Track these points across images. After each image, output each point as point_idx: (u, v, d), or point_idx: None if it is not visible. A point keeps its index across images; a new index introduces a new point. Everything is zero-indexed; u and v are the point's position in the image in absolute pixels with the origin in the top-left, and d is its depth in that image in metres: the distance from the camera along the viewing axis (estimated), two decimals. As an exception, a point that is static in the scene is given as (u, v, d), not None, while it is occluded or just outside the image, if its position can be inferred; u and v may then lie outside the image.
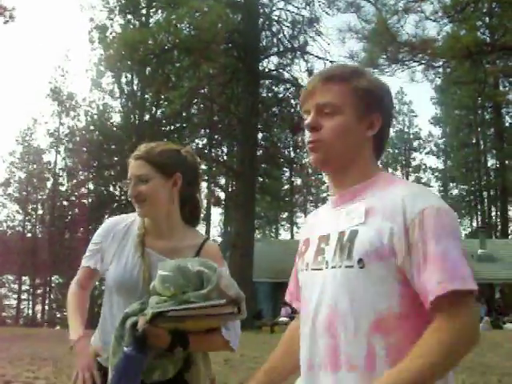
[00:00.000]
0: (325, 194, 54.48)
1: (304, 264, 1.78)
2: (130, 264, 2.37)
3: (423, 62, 21.84)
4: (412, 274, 1.53)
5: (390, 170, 55.79)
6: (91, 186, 39.58)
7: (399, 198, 1.60)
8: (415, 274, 1.52)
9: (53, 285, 47.02)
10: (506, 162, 45.02)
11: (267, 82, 32.19)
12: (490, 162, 48.68)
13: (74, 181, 40.13)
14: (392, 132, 55.13)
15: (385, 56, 21.18)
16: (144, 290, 2.27)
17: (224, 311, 2.07)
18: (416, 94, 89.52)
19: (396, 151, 55.38)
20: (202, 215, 2.62)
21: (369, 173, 1.74)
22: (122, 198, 38.80)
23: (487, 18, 26.90)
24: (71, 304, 2.48)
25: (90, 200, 38.89)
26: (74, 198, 40.85)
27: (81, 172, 39.04)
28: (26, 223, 50.41)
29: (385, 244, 1.56)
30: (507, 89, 38.10)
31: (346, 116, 1.72)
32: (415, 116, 55.80)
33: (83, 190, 40.03)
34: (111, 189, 38.23)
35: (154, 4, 30.69)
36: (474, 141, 49.08)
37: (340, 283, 1.60)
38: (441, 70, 25.83)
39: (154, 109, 34.08)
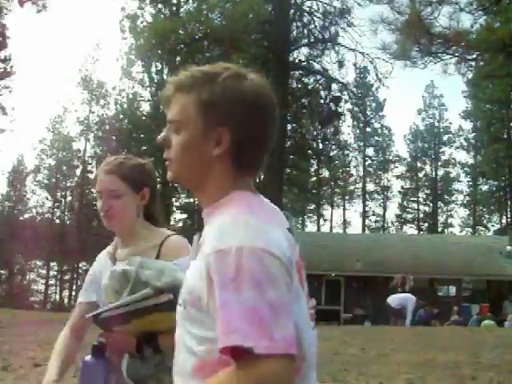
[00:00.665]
0: (352, 187, 54.32)
1: None
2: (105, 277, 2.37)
3: (456, 54, 21.57)
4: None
5: (419, 164, 55.35)
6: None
7: (210, 236, 1.39)
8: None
9: (80, 271, 47.60)
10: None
11: (297, 73, 32.07)
12: (522, 158, 48.00)
13: (104, 169, 40.48)
14: (422, 126, 54.72)
15: (417, 48, 21.00)
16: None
17: (160, 301, 2.05)
18: (447, 88, 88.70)
19: (425, 145, 54.85)
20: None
21: (222, 194, 1.52)
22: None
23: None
24: (55, 347, 2.48)
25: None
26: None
27: (110, 160, 39.39)
28: (55, 210, 51.11)
29: (196, 287, 1.38)
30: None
31: (189, 132, 1.53)
32: (445, 110, 55.17)
33: (112, 178, 40.40)
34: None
35: (185, -7, 30.72)
36: (505, 136, 48.40)
37: (179, 322, 1.48)
38: (473, 63, 25.50)
39: (183, 98, 34.19)
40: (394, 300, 18.00)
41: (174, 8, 31.53)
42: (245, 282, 1.28)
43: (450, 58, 21.63)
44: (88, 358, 2.17)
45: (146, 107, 37.32)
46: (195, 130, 1.52)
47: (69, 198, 50.70)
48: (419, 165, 55.47)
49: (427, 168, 55.52)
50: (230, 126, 1.48)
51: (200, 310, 1.38)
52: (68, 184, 50.77)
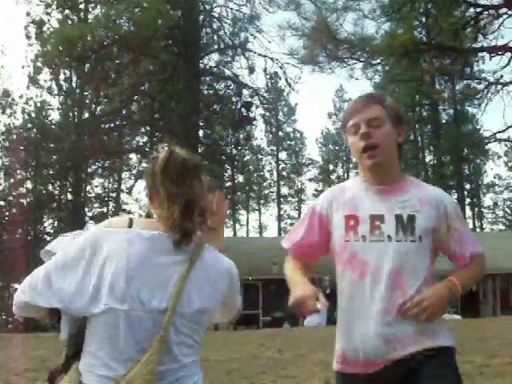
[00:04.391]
0: (267, 191, 54.77)
1: (358, 236, 2.34)
2: None
3: (362, 59, 22.15)
4: (449, 244, 2.39)
5: (331, 167, 56.51)
6: (29, 186, 38.68)
7: (436, 193, 2.44)
8: (453, 244, 2.39)
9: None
10: (443, 157, 46.13)
11: (208, 79, 32.10)
12: (428, 158, 49.80)
13: (12, 180, 39.10)
14: (333, 129, 55.90)
15: (324, 53, 21.40)
16: None
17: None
18: (356, 92, 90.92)
19: (337, 148, 56.00)
20: None
21: (400, 172, 2.47)
22: (62, 197, 38.10)
23: (423, 18, 27.52)
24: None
25: (28, 200, 38.01)
26: (11, 198, 39.82)
27: (18, 171, 38.08)
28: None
29: (432, 225, 2.34)
30: (443, 87, 39.05)
31: (387, 126, 2.39)
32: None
33: (21, 189, 39.06)
34: (50, 188, 37.46)
35: (92, -1, 30.18)
36: (412, 137, 50.09)
37: (405, 252, 2.28)
38: (379, 67, 26.26)
39: (93, 106, 33.57)
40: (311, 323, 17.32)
41: (82, 14, 30.94)
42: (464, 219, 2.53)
43: (356, 63, 22.15)
44: None
45: (54, 115, 36.54)
46: (390, 125, 2.40)
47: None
48: (331, 167, 56.61)
49: (339, 170, 56.71)
50: (403, 126, 2.48)
51: (431, 240, 2.34)
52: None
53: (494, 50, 21.13)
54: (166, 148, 1.98)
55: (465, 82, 35.72)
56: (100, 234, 1.87)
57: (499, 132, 25.63)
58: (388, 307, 2.25)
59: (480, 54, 26.83)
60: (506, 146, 45.20)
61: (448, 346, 2.31)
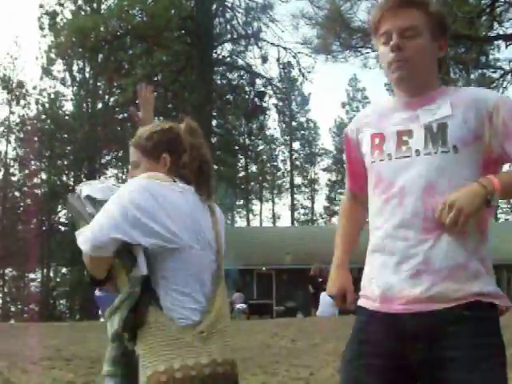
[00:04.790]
0: (280, 181, 54.73)
1: (383, 155, 2.07)
2: None
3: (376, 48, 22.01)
4: (501, 146, 1.97)
5: (345, 157, 56.26)
6: (44, 176, 38.91)
7: (474, 92, 2.07)
8: (497, 142, 1.97)
9: (6, 278, 46.18)
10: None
11: (221, 68, 32.06)
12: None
13: (26, 171, 39.36)
14: (346, 118, 55.70)
15: (338, 42, 21.32)
16: None
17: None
18: (370, 81, 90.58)
19: (350, 138, 55.84)
20: None
21: (436, 86, 2.12)
22: (76, 187, 38.33)
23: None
24: None
25: (42, 190, 38.25)
26: (26, 189, 40.09)
27: (33, 162, 38.36)
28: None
29: (472, 130, 1.97)
30: (458, 75, 38.74)
31: (424, 38, 2.04)
32: (369, 102, 56.18)
33: (35, 180, 39.31)
34: (64, 178, 37.66)
35: (105, -10, 30.19)
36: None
37: (437, 166, 1.96)
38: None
39: (106, 97, 33.66)
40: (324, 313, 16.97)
41: (95, 5, 30.95)
42: None
43: (370, 52, 22.04)
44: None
45: (68, 106, 36.62)
46: (430, 36, 2.05)
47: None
48: (345, 157, 56.38)
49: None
50: (447, 36, 2.11)
51: (475, 150, 1.98)
52: (-11, 187, 49.14)
53: (510, 38, 20.96)
54: (185, 120, 2.46)
55: (480, 70, 35.51)
56: (155, 184, 2.06)
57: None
58: (407, 230, 1.95)
59: (495, 43, 26.62)
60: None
61: (493, 295, 1.92)
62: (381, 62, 2.18)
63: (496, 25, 21.63)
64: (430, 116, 2.01)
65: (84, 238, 2.03)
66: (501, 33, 21.99)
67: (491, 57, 31.51)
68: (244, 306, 22.22)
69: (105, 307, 2.25)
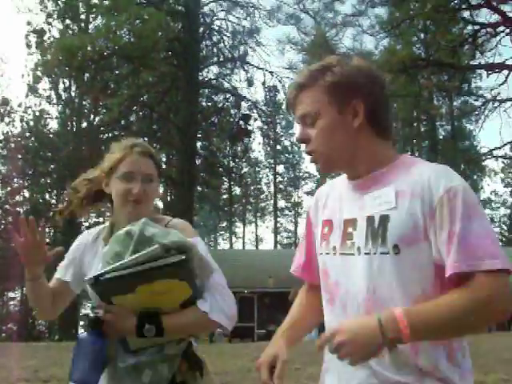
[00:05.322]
0: (263, 204, 54.77)
1: (329, 247, 1.76)
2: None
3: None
4: (441, 252, 1.55)
5: (329, 180, 56.52)
6: (26, 194, 38.65)
7: (425, 178, 1.61)
8: (444, 251, 1.55)
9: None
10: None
11: (207, 91, 32.21)
12: (425, 174, 49.93)
13: (9, 188, 39.09)
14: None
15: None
16: None
17: (168, 261, 1.84)
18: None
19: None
20: None
21: (385, 158, 1.73)
22: (59, 206, 38.06)
23: (422, 35, 27.70)
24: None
25: (25, 208, 37.95)
26: (8, 207, 39.77)
27: (16, 179, 38.08)
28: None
29: (418, 226, 1.57)
30: (441, 102, 39.22)
31: (325, 118, 1.71)
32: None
33: (18, 197, 39.02)
34: (47, 197, 37.43)
35: (93, 10, 30.28)
36: (410, 153, 50.26)
37: (377, 271, 1.60)
38: (378, 82, 26.35)
39: (92, 116, 33.60)
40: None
41: (83, 24, 31.03)
42: (479, 212, 1.58)
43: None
44: (84, 334, 1.90)
45: (53, 125, 36.48)
46: (332, 112, 1.71)
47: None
48: (329, 181, 56.62)
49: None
50: (362, 97, 1.70)
51: (422, 250, 1.57)
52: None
53: (491, 68, 21.32)
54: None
55: (462, 98, 36.01)
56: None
57: (496, 148, 25.82)
58: None
59: (477, 71, 27.07)
60: (503, 162, 45.59)
61: None
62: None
63: (478, 54, 21.98)
64: (374, 205, 1.67)
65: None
66: (482, 62, 22.36)
67: (473, 85, 31.98)
68: (225, 329, 22.10)
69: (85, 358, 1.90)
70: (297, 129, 1.78)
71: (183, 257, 1.86)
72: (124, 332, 1.94)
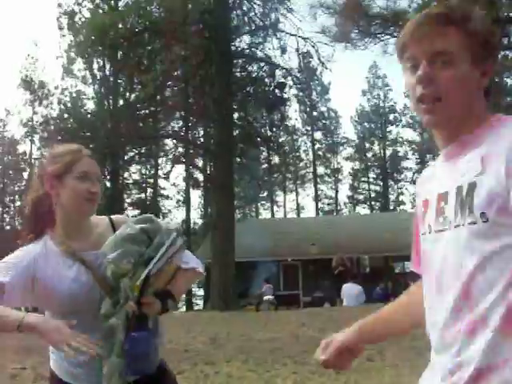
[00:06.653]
0: (303, 172, 54.62)
1: (426, 227, 1.67)
2: (74, 274, 2.24)
3: (395, 34, 21.90)
4: None
5: (367, 145, 56.03)
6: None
7: (510, 138, 1.48)
8: None
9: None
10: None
11: (240, 61, 32.00)
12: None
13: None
14: (367, 106, 55.38)
15: (357, 30, 21.21)
16: (103, 290, 2.20)
17: (178, 244, 2.17)
18: (390, 68, 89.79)
19: (372, 125, 55.52)
20: None
21: (483, 120, 1.61)
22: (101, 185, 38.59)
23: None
24: None
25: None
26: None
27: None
28: (4, 216, 49.98)
29: (505, 191, 1.44)
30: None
31: (463, 65, 1.57)
32: (390, 89, 55.83)
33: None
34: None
35: (122, -13, 30.31)
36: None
37: (464, 244, 1.48)
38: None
39: (127, 93, 33.83)
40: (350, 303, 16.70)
41: (112, 2, 31.11)
42: None
43: (390, 38, 21.89)
44: (137, 333, 2.06)
45: (90, 105, 36.87)
46: (470, 63, 1.57)
47: (18, 203, 49.65)
48: (367, 145, 56.14)
49: (375, 148, 56.27)
50: (493, 58, 1.63)
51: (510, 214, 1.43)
52: (16, 188, 49.70)
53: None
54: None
55: (503, 52, 35.08)
56: None
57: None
58: (447, 330, 1.52)
59: (517, 24, 26.30)
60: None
61: None
62: (408, 93, 1.69)
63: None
64: (463, 173, 1.55)
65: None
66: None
67: (514, 38, 31.17)
68: (271, 297, 22.28)
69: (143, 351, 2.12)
70: (421, 65, 1.58)
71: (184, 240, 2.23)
72: (155, 314, 2.19)
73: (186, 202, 44.85)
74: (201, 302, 39.52)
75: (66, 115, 35.65)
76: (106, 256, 2.11)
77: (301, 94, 37.28)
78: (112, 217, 2.45)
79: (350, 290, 15.47)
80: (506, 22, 23.27)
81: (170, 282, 2.19)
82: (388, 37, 21.65)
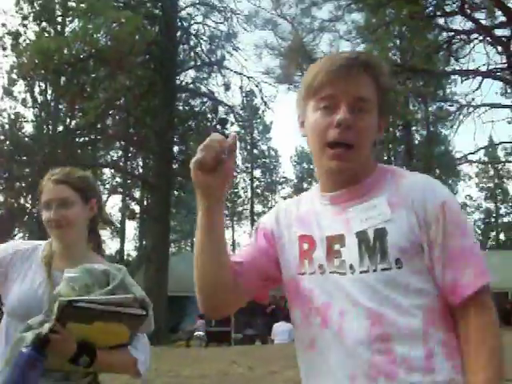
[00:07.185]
0: (240, 208, 54.74)
1: (315, 266, 1.60)
2: (35, 285, 2.28)
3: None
4: (435, 270, 1.48)
5: (305, 185, 56.69)
6: (1, 198, 38.22)
7: (418, 189, 1.53)
8: (439, 269, 1.48)
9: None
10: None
11: (184, 95, 32.13)
12: (401, 178, 50.27)
13: (-18, 192, 38.67)
14: (307, 147, 56.24)
15: (300, 73, 21.60)
16: (48, 309, 2.17)
17: (131, 311, 2.06)
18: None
19: (311, 166, 56.22)
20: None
21: (371, 168, 1.64)
22: (34, 210, 37.68)
23: (398, 40, 27.98)
24: None
25: (-1, 212, 37.54)
26: (-19, 210, 39.32)
27: (-11, 183, 37.66)
28: None
29: (416, 240, 1.49)
30: (416, 108, 39.57)
31: (373, 116, 1.59)
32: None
33: (-8, 201, 38.58)
34: (22, 201, 37.03)
35: (70, 12, 30.10)
36: (386, 157, 50.59)
37: (379, 288, 1.48)
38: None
39: (68, 119, 33.33)
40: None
41: (59, 27, 30.81)
42: (470, 229, 1.54)
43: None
44: (27, 349, 1.94)
45: (28, 128, 36.09)
46: (375, 115, 1.60)
47: None
48: (305, 185, 56.79)
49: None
50: (389, 115, 1.57)
51: (422, 262, 1.49)
52: None
53: (465, 74, 21.61)
54: None
55: (437, 103, 36.37)
56: None
57: (471, 153, 26.21)
58: (355, 369, 1.49)
59: (452, 77, 27.43)
60: (477, 167, 46.11)
61: None
62: (310, 135, 1.62)
63: (452, 60, 22.28)
64: (364, 219, 1.54)
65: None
66: (457, 68, 22.65)
67: (448, 90, 32.39)
68: (202, 333, 22.07)
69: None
70: (341, 107, 1.54)
71: (144, 312, 2.11)
72: (62, 355, 2.04)
73: (121, 232, 44.23)
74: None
75: (2, 137, 34.84)
76: (66, 273, 2.11)
77: (242, 131, 37.61)
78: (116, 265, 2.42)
79: (282, 327, 15.50)
80: (441, 76, 24.18)
81: (104, 345, 2.11)
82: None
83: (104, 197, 41.41)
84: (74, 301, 1.96)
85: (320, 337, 1.58)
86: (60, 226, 2.32)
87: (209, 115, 31.64)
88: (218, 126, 31.22)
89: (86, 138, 32.32)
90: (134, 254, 49.02)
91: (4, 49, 30.49)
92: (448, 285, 1.48)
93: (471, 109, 22.81)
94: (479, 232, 53.15)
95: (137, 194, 39.31)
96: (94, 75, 28.96)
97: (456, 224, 1.51)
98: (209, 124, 31.31)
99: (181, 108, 31.99)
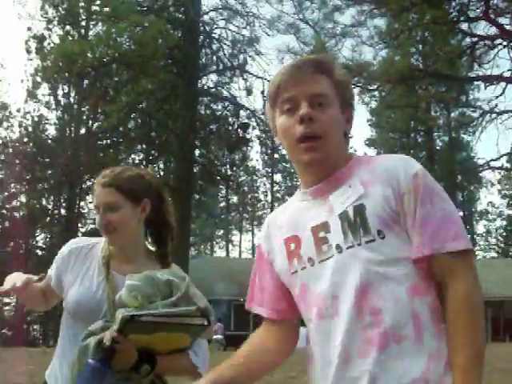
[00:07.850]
0: (260, 212, 54.75)
1: (303, 261, 1.67)
2: (94, 285, 2.28)
3: (359, 85, 22.37)
4: (412, 237, 1.56)
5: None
6: (23, 199, 38.62)
7: (389, 166, 1.63)
8: (415, 236, 1.55)
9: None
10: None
11: (206, 99, 32.26)
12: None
13: (6, 193, 39.06)
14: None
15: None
16: (107, 312, 2.19)
17: (194, 322, 2.03)
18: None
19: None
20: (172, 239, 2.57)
21: (346, 159, 1.74)
22: (55, 212, 38.01)
23: (420, 46, 27.86)
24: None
25: (21, 213, 37.92)
26: (5, 211, 39.72)
27: (13, 184, 38.05)
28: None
29: (393, 210, 1.57)
30: (438, 114, 39.37)
31: (335, 109, 1.70)
32: (351, 137, 56.45)
33: (15, 203, 38.99)
34: (44, 202, 37.41)
35: (93, 16, 30.38)
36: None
37: (366, 260, 1.55)
38: (376, 93, 26.49)
39: (90, 122, 33.64)
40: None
41: (83, 31, 31.11)
42: (445, 196, 1.63)
43: (353, 88, 22.34)
44: (94, 361, 1.95)
45: (51, 130, 36.48)
46: (338, 107, 1.72)
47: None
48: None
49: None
50: (351, 106, 1.79)
51: (401, 229, 1.57)
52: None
53: (488, 80, 21.42)
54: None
55: (460, 109, 36.15)
56: None
57: (493, 160, 25.98)
58: (349, 348, 1.55)
59: (475, 83, 27.21)
60: (500, 173, 45.69)
61: None
62: (281, 138, 1.74)
63: (476, 66, 22.08)
64: (344, 201, 1.63)
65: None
66: (480, 74, 22.45)
67: (471, 96, 32.15)
68: (221, 337, 22.08)
69: None
70: (301, 106, 1.67)
71: (206, 322, 2.05)
72: (124, 365, 2.00)
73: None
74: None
75: (26, 139, 35.22)
76: (127, 280, 2.08)
77: (263, 135, 37.61)
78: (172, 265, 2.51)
79: (300, 332, 15.47)
80: (464, 81, 24.01)
81: (165, 353, 2.11)
82: (352, 86, 22.14)
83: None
84: (136, 315, 1.94)
85: (317, 330, 1.67)
86: (108, 231, 2.29)
87: (230, 119, 31.73)
88: (240, 130, 31.32)
89: (108, 141, 32.57)
90: (154, 256, 49.27)
91: (29, 52, 30.87)
92: (420, 249, 1.55)
93: (494, 115, 22.65)
94: (501, 239, 52.66)
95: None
96: (116, 79, 29.20)
97: (429, 192, 1.59)
98: (230, 128, 31.39)
99: (202, 112, 32.12)
